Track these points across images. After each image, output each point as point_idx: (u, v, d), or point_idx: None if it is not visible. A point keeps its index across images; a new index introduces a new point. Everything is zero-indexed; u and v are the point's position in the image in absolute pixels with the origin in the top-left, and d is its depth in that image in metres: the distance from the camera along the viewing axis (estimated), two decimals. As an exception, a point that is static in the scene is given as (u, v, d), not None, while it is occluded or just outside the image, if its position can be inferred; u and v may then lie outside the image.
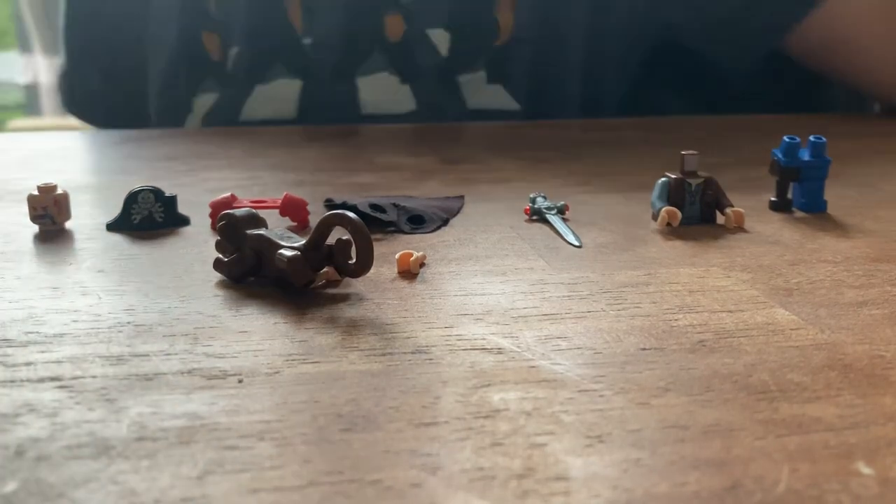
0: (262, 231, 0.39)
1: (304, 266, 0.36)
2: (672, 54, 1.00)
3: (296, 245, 0.37)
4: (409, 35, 0.95)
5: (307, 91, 0.97)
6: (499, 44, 0.95)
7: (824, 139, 0.51)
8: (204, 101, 1.01)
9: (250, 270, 0.38)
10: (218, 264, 0.39)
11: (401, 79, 0.96)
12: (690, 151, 0.49)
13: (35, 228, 0.48)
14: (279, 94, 0.97)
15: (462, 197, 0.56)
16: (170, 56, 1.01)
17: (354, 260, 0.36)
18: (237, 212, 0.40)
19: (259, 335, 0.32)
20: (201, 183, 0.61)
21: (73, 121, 1.23)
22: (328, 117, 0.96)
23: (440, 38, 0.95)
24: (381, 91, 0.96)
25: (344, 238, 0.37)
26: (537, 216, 0.50)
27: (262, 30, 0.98)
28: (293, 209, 0.49)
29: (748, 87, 1.03)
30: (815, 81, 1.03)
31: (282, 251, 0.37)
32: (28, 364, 0.30)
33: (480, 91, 0.96)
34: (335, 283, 0.38)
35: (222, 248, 0.40)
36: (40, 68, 2.78)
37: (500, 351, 0.31)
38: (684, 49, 0.98)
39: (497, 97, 0.96)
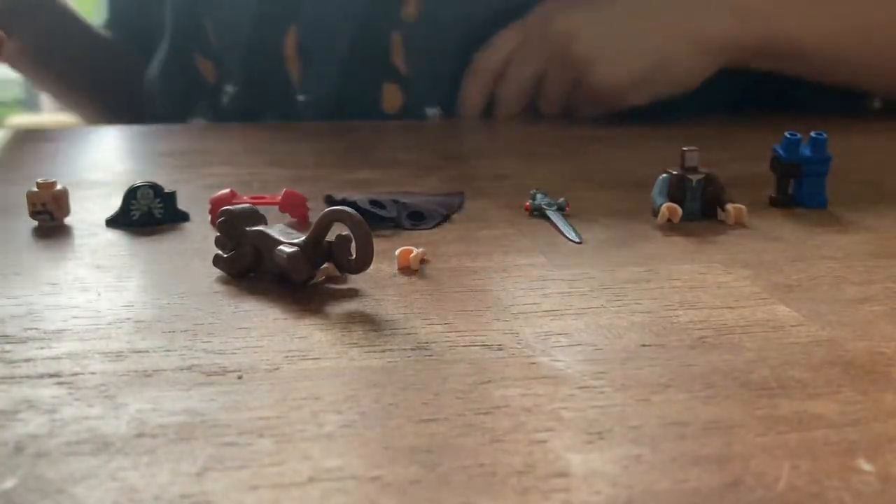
0: (261, 227, 0.39)
1: (304, 262, 0.36)
2: None
3: (295, 241, 0.37)
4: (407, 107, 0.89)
5: None
6: None
7: (825, 135, 0.50)
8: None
9: (250, 266, 0.38)
10: (217, 260, 0.39)
11: None
12: (691, 147, 0.49)
13: (34, 224, 0.48)
14: None
15: (462, 193, 0.55)
16: (167, 68, 0.97)
17: (354, 256, 0.36)
18: (237, 208, 0.40)
19: (259, 331, 0.32)
20: (201, 179, 0.61)
21: (70, 117, 1.21)
22: None
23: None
24: None
25: (344, 234, 0.37)
26: (537, 212, 0.50)
27: (259, 75, 0.92)
28: (293, 205, 0.49)
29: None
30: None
31: (281, 247, 0.36)
32: (27, 360, 0.30)
33: None
34: (335, 280, 0.38)
35: (222, 244, 0.40)
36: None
37: (500, 347, 0.31)
38: None
39: None
